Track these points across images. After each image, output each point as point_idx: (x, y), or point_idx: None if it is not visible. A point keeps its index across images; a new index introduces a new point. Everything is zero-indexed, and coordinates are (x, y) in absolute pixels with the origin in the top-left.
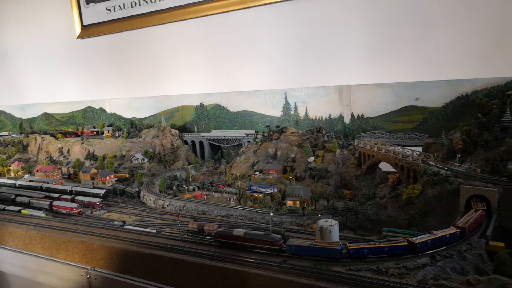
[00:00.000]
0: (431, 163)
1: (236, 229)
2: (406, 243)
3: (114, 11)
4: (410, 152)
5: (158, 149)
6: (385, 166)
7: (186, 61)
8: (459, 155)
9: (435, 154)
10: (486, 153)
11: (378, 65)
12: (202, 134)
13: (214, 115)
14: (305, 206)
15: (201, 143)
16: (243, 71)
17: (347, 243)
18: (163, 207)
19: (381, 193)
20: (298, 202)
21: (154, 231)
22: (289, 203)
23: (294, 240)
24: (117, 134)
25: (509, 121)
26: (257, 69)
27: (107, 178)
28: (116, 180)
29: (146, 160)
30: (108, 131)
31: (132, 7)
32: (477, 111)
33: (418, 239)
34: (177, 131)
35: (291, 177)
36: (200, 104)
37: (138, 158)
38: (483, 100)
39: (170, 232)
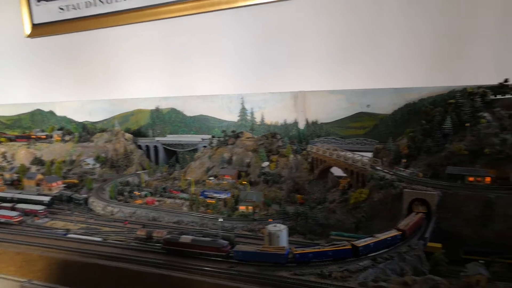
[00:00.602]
0: (378, 168)
1: (183, 235)
2: (350, 247)
3: (68, 10)
4: (360, 157)
5: (111, 154)
6: (338, 171)
7: (142, 64)
8: (404, 160)
9: (384, 159)
10: (428, 158)
11: (332, 73)
12: (157, 138)
13: (170, 120)
14: (256, 211)
15: (155, 147)
16: (200, 75)
17: (293, 248)
18: (112, 214)
19: (331, 198)
20: (250, 207)
21: (100, 239)
22: (242, 208)
23: (242, 246)
24: (67, 138)
25: (450, 128)
26: (214, 73)
27: (54, 184)
28: (64, 187)
29: (97, 165)
30: (58, 135)
31: (87, 7)
32: (422, 118)
33: (361, 242)
34: (132, 136)
35: (245, 182)
36: (156, 108)
37: (89, 163)
38: (428, 107)
39: (117, 240)
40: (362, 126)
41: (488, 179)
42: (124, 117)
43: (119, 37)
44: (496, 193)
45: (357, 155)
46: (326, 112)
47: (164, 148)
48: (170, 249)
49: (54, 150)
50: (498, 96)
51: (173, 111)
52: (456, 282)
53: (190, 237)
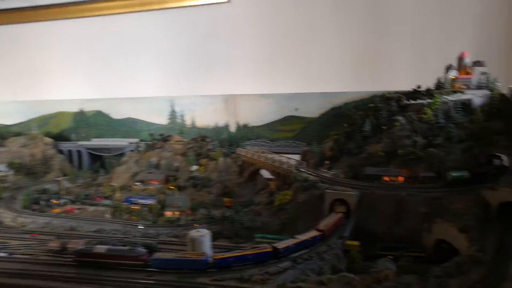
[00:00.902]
0: (302, 170)
1: (98, 246)
2: (271, 249)
3: None
4: (286, 159)
5: (27, 160)
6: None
7: (65, 64)
8: (327, 162)
9: (311, 161)
10: (350, 160)
11: (262, 77)
12: (81, 142)
13: (95, 123)
14: (181, 216)
15: (79, 152)
16: (128, 77)
17: (213, 253)
18: (23, 226)
19: (258, 200)
20: (177, 213)
21: (4, 254)
22: (168, 214)
23: (160, 254)
24: None
25: (369, 130)
26: (143, 75)
27: None
28: None
29: (10, 172)
30: None
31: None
32: (346, 122)
33: (281, 244)
34: (52, 140)
35: (172, 187)
36: (80, 110)
37: (0, 170)
38: (351, 111)
39: (26, 254)
40: (291, 129)
41: (401, 178)
42: (44, 120)
43: (39, 34)
44: (407, 191)
45: (283, 158)
46: (256, 116)
47: (88, 152)
48: (83, 261)
49: None
50: (411, 101)
51: (99, 113)
52: (367, 278)
53: (105, 247)
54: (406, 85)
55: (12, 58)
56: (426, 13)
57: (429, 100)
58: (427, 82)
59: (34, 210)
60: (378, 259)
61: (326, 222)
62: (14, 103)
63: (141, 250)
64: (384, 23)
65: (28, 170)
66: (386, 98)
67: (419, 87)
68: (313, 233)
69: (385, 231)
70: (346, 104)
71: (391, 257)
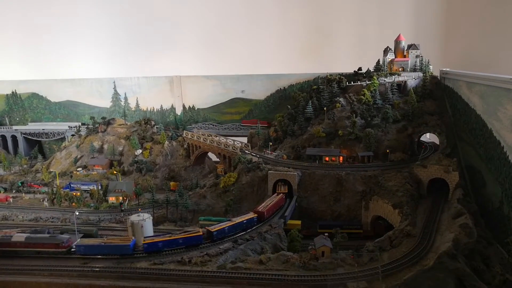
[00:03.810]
0: (247, 151)
1: (16, 234)
2: (201, 233)
3: None
4: (232, 142)
5: None
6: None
7: None
8: (271, 144)
9: (258, 143)
10: (292, 141)
11: (207, 58)
12: (16, 127)
13: (31, 106)
14: (124, 201)
15: (14, 137)
16: (66, 56)
17: (143, 238)
18: None
19: (203, 183)
20: (120, 198)
21: None
22: (112, 199)
23: (84, 240)
24: None
25: (311, 112)
26: (83, 55)
27: None
28: None
29: None
30: None
31: None
32: (290, 104)
33: (215, 227)
34: None
35: (115, 172)
36: (12, 92)
37: None
38: (296, 93)
39: None
40: (238, 111)
41: (341, 158)
42: None
43: None
44: (346, 171)
45: (229, 140)
46: (203, 98)
47: (24, 138)
48: (2, 251)
49: None
50: (352, 83)
51: (35, 96)
52: (305, 255)
53: (24, 235)
54: (348, 67)
55: None
56: None
57: (368, 82)
58: (368, 65)
59: None
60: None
61: (266, 204)
62: None
63: (63, 236)
64: (326, 6)
65: None
66: (328, 80)
67: (359, 69)
68: (249, 215)
69: (325, 210)
70: (291, 86)
71: (327, 234)
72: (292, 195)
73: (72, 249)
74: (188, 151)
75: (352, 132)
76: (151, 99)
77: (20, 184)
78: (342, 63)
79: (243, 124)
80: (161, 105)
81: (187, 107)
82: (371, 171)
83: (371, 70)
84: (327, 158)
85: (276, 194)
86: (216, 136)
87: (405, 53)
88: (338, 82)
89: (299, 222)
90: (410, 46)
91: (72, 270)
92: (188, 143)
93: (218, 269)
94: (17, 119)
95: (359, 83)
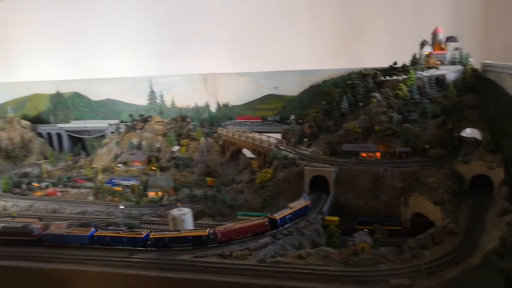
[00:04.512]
0: (282, 148)
1: None
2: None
3: None
4: (266, 138)
5: (5, 144)
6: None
7: (40, 44)
8: (306, 140)
9: (292, 139)
10: (328, 137)
11: (240, 55)
12: (60, 125)
13: (74, 104)
14: (165, 196)
15: (59, 135)
16: (106, 56)
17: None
18: (4, 209)
19: (239, 179)
20: (160, 193)
21: None
22: (151, 194)
23: (51, 230)
24: None
25: (346, 107)
26: (121, 55)
27: None
28: None
29: None
30: None
31: None
32: (324, 99)
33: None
34: (29, 123)
35: (154, 168)
36: (57, 92)
37: None
38: (330, 89)
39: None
40: (271, 107)
41: (378, 154)
42: (20, 103)
43: (10, 11)
44: (384, 167)
45: (264, 136)
46: (236, 95)
47: (68, 135)
48: None
49: None
50: (387, 78)
51: (77, 95)
52: (345, 251)
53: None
54: (383, 62)
55: None
56: None
57: (405, 76)
58: (404, 59)
59: (15, 193)
60: (355, 233)
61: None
62: None
63: (34, 227)
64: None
65: (6, 154)
66: (363, 75)
67: (395, 64)
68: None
69: (363, 206)
70: (325, 81)
71: (367, 230)
72: (329, 191)
73: (42, 238)
74: (223, 147)
75: (389, 128)
76: (186, 97)
77: (66, 179)
78: (376, 58)
79: (237, 119)
80: (196, 103)
81: (221, 104)
82: (410, 167)
83: (407, 64)
84: (364, 154)
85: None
86: (251, 133)
87: (443, 46)
88: (373, 77)
89: (336, 218)
90: (448, 39)
91: (119, 261)
92: (223, 139)
93: (259, 263)
94: (61, 117)
95: (395, 77)
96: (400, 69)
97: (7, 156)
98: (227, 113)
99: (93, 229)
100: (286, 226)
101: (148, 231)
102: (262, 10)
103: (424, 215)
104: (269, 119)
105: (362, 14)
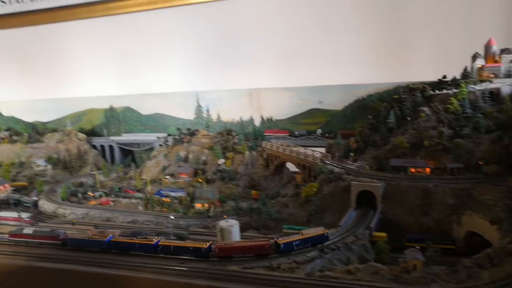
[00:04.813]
0: (327, 162)
1: (26, 227)
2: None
3: (11, 3)
4: (311, 152)
5: (63, 155)
6: (294, 167)
7: (94, 62)
8: (352, 154)
9: (336, 154)
10: (374, 152)
11: (284, 70)
12: (112, 138)
13: (125, 118)
14: (211, 208)
15: (111, 147)
16: (154, 73)
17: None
18: (64, 216)
19: (284, 192)
20: (206, 205)
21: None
22: (198, 206)
23: (75, 234)
24: (15, 138)
25: (393, 122)
26: (169, 71)
27: (1, 187)
28: (12, 190)
29: (49, 166)
30: (4, 137)
31: (31, 1)
32: (370, 114)
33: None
34: (85, 135)
35: (200, 180)
36: (110, 107)
37: (40, 165)
38: (375, 103)
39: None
40: (315, 122)
41: (427, 169)
42: (77, 116)
43: (69, 33)
44: (434, 183)
45: (308, 150)
46: (280, 109)
47: (119, 147)
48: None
49: (2, 152)
50: (437, 92)
51: (128, 109)
52: (395, 268)
53: (32, 228)
54: (431, 76)
55: (44, 58)
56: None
57: (455, 90)
58: (453, 72)
59: (72, 202)
60: (404, 250)
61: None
62: (48, 101)
63: (60, 231)
64: (405, 11)
65: (64, 165)
66: (410, 89)
67: (444, 77)
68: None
69: (411, 223)
70: (370, 96)
71: (418, 247)
72: (376, 206)
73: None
74: (267, 161)
75: (439, 143)
76: (231, 111)
77: (117, 190)
78: (423, 71)
79: (265, 133)
80: (241, 117)
81: (265, 118)
82: (462, 183)
83: (458, 78)
84: (412, 170)
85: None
86: (295, 147)
87: (497, 58)
88: (422, 91)
89: (384, 234)
90: (503, 51)
91: (171, 269)
92: (267, 153)
93: (307, 276)
94: (113, 130)
95: (445, 91)
96: (450, 83)
97: (65, 167)
98: (270, 127)
99: (110, 235)
100: (293, 252)
101: (158, 238)
102: (306, 25)
103: (479, 234)
104: (296, 133)
105: (409, 27)
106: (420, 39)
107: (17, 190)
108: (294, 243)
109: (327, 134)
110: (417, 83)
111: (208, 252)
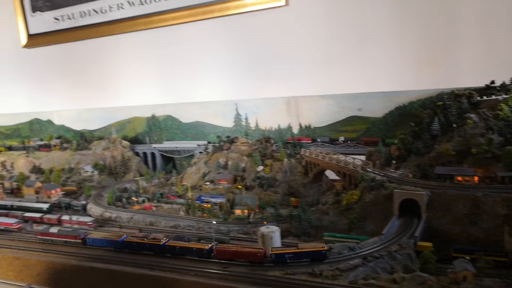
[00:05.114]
0: (369, 170)
1: (53, 227)
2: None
3: (63, 20)
4: (352, 159)
5: (109, 161)
6: (333, 174)
7: (138, 73)
8: (394, 162)
9: (377, 161)
10: (417, 160)
11: (322, 78)
12: (154, 145)
13: (166, 126)
14: (251, 214)
15: (153, 154)
16: (194, 82)
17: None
18: (110, 220)
19: (324, 200)
20: (246, 211)
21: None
22: (237, 212)
23: (94, 234)
24: (65, 146)
25: (438, 129)
26: (208, 80)
27: (53, 192)
28: (63, 194)
29: (96, 172)
30: (56, 144)
31: (81, 17)
32: (412, 121)
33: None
34: (129, 143)
35: (240, 187)
36: (152, 115)
37: (87, 171)
38: (417, 110)
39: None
40: (354, 129)
41: (476, 178)
42: (121, 125)
43: (114, 46)
44: (483, 192)
45: (349, 158)
46: (318, 116)
47: (161, 154)
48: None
49: (53, 158)
50: (484, 98)
51: (169, 118)
52: (443, 279)
53: (58, 228)
54: (476, 81)
55: (92, 69)
56: None
57: (505, 96)
58: (501, 77)
59: (117, 206)
60: (452, 261)
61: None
62: (95, 110)
63: (81, 231)
64: (448, 13)
65: (110, 171)
66: (455, 95)
67: (492, 82)
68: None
69: (459, 233)
70: (411, 103)
71: (468, 258)
72: (419, 215)
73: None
74: (306, 168)
75: (488, 150)
76: (270, 119)
77: (159, 195)
78: (468, 77)
79: (296, 142)
80: (279, 124)
81: (303, 126)
82: None
83: (507, 83)
84: (459, 178)
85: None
86: (335, 154)
87: None
88: (468, 97)
89: (430, 244)
90: None
91: (213, 273)
92: (306, 160)
93: (350, 284)
94: (155, 138)
95: (493, 97)
96: (499, 88)
97: (110, 173)
98: (309, 134)
99: (124, 235)
100: (286, 263)
101: (166, 239)
102: (345, 31)
103: None
104: (318, 140)
105: (451, 31)
106: (465, 43)
107: (66, 194)
108: (286, 255)
109: (349, 142)
110: (462, 89)
111: (209, 253)
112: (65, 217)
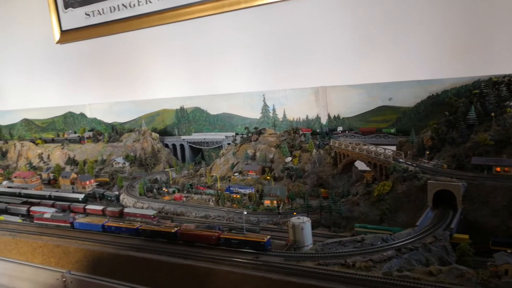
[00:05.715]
0: (401, 160)
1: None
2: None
3: (93, 16)
4: (383, 150)
5: (139, 153)
6: (362, 165)
7: (166, 65)
8: (428, 152)
9: (408, 152)
10: (452, 150)
11: (352, 67)
12: (183, 137)
13: (195, 118)
14: (281, 205)
15: (181, 146)
16: (222, 74)
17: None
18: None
19: (355, 191)
20: (275, 202)
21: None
22: (267, 202)
23: (80, 219)
24: (98, 138)
25: (474, 118)
26: (236, 72)
27: (87, 182)
28: (96, 185)
29: (127, 164)
30: (89, 136)
31: (111, 12)
32: (446, 110)
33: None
34: (158, 135)
35: (268, 177)
36: (181, 107)
37: (119, 162)
38: (452, 99)
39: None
40: (384, 119)
41: None
42: (151, 117)
43: (143, 39)
44: None
45: (380, 148)
46: (348, 107)
47: (190, 146)
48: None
49: (86, 150)
50: None
51: (197, 110)
52: (483, 272)
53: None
54: None
55: (121, 63)
56: None
57: None
58: None
59: (149, 197)
60: (491, 254)
61: None
62: (125, 103)
63: (69, 216)
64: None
65: (140, 162)
66: (494, 83)
67: None
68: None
69: (498, 225)
70: (445, 91)
71: (510, 251)
72: (455, 207)
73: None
74: (335, 159)
75: None
76: (297, 110)
77: (189, 186)
78: (507, 63)
79: (303, 131)
80: (307, 115)
81: (332, 116)
82: None
83: None
84: (498, 169)
85: None
86: (365, 144)
87: None
88: (508, 84)
89: (466, 236)
90: None
91: (246, 263)
92: (335, 151)
93: (385, 276)
94: (184, 130)
95: None
96: None
97: (141, 164)
98: (338, 125)
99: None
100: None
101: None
102: (374, 18)
103: None
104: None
105: (489, 13)
106: (503, 27)
107: (100, 185)
108: (232, 240)
109: (347, 132)
110: (501, 76)
111: (175, 236)
112: (127, 210)
